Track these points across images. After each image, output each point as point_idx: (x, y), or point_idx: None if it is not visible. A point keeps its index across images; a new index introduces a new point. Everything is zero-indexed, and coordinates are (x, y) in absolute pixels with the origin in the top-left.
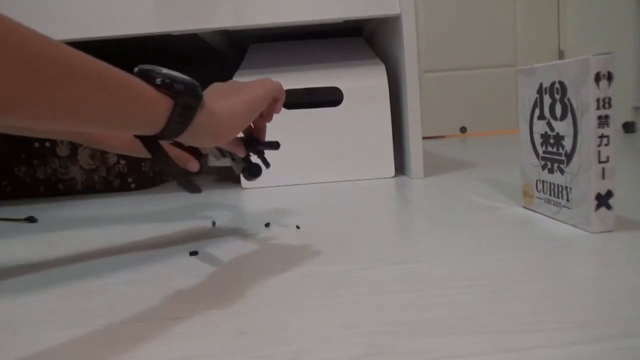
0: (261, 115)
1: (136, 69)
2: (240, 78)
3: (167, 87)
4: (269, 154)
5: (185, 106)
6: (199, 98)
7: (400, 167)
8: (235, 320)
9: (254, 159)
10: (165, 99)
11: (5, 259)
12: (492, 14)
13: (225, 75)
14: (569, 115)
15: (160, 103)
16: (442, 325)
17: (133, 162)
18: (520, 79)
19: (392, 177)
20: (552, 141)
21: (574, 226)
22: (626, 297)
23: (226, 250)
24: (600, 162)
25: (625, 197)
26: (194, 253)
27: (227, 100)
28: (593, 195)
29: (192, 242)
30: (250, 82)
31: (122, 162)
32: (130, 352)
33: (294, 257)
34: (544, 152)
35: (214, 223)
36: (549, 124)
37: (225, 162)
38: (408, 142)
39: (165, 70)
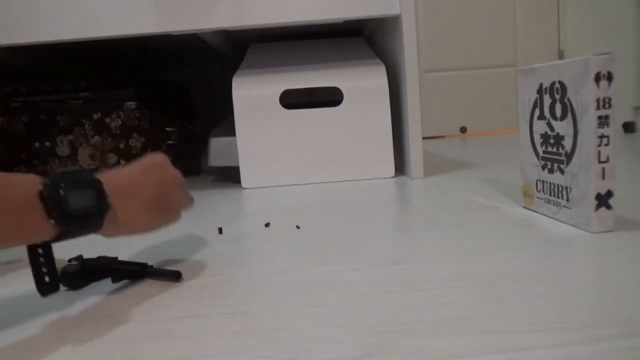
0: None
1: (42, 186)
2: (240, 78)
3: (62, 224)
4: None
5: (77, 235)
6: (95, 228)
7: (400, 167)
8: (235, 320)
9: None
10: (56, 228)
11: (5, 259)
12: (492, 14)
13: (225, 75)
14: (569, 115)
15: (49, 231)
16: (442, 325)
17: None
18: (520, 79)
19: (392, 177)
20: (552, 141)
21: (574, 226)
22: (626, 297)
23: (226, 250)
24: (600, 162)
25: (625, 197)
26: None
27: (139, 214)
28: (593, 195)
29: (191, 242)
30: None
31: (122, 162)
32: (131, 352)
33: (294, 257)
34: (544, 152)
35: (220, 230)
36: (549, 124)
37: (227, 162)
38: (408, 142)
39: (71, 196)
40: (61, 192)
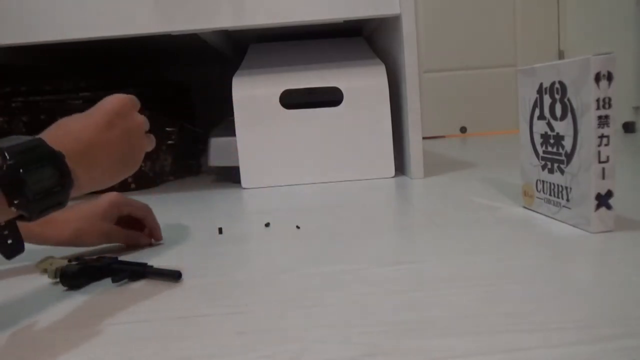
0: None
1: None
2: (240, 78)
3: (23, 210)
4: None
5: (40, 217)
6: (60, 207)
7: (400, 167)
8: (235, 320)
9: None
10: (18, 212)
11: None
12: (492, 14)
13: (225, 75)
14: (569, 115)
15: (10, 214)
16: (442, 325)
17: None
18: (520, 79)
19: (392, 177)
20: (552, 141)
21: (574, 226)
22: (626, 297)
23: (226, 250)
24: (600, 162)
25: (625, 197)
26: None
27: (103, 175)
28: (593, 195)
29: (191, 242)
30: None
31: None
32: (131, 352)
33: (294, 257)
34: (544, 152)
35: (220, 230)
36: (549, 124)
37: (227, 162)
38: (408, 142)
39: (32, 180)
40: (21, 175)
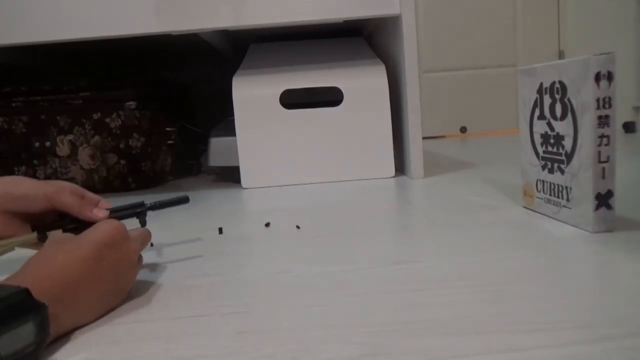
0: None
1: None
2: (240, 78)
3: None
4: None
5: None
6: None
7: (400, 167)
8: (235, 320)
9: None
10: None
11: (6, 260)
12: (492, 14)
13: (226, 75)
14: (569, 115)
15: None
16: (442, 325)
17: (133, 162)
18: (520, 79)
19: (392, 177)
20: (552, 141)
21: (574, 226)
22: (626, 297)
23: (226, 250)
24: (600, 162)
25: (625, 197)
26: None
27: (86, 316)
28: (593, 195)
29: (191, 242)
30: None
31: (122, 162)
32: (131, 352)
33: (294, 257)
34: (544, 152)
35: (220, 230)
36: (549, 124)
37: (227, 162)
38: (408, 142)
39: (3, 343)
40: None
